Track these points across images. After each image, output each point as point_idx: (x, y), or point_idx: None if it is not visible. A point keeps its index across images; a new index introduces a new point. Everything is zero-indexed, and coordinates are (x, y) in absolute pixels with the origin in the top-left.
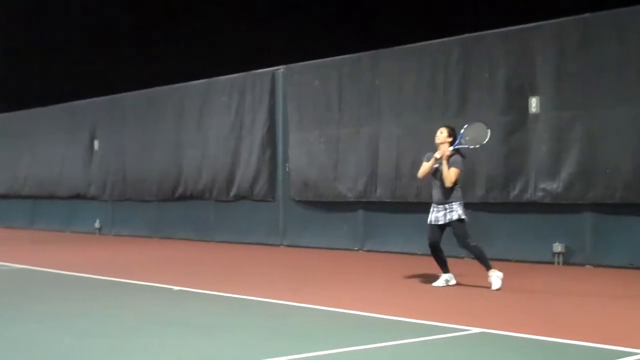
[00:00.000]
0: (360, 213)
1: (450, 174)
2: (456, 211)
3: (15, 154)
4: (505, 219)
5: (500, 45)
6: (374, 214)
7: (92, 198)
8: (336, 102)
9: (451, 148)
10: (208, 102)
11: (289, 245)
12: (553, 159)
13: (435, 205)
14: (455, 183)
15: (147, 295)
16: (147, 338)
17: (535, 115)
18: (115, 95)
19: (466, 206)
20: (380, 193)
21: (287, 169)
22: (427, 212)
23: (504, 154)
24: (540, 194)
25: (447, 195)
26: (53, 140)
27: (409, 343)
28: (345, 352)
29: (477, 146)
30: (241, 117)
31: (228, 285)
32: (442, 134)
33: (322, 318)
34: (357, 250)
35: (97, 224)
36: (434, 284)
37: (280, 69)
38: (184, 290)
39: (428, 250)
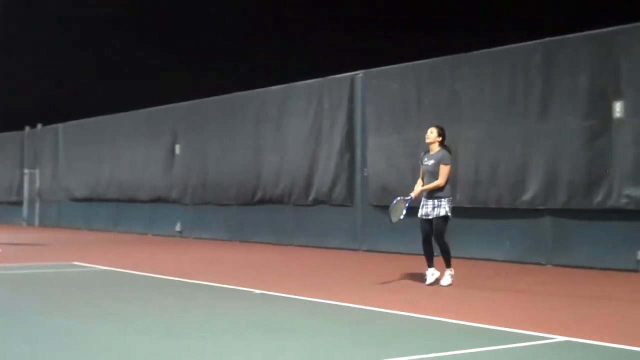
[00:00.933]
0: None
1: (442, 172)
2: (444, 207)
3: (99, 159)
4: (588, 226)
5: (583, 49)
6: (453, 219)
7: (174, 201)
8: (415, 107)
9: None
10: (287, 107)
11: (367, 250)
12: (637, 164)
13: (425, 199)
14: (447, 179)
15: (229, 297)
16: (229, 340)
17: (620, 120)
18: (196, 101)
19: (548, 212)
20: (459, 198)
21: (366, 174)
22: (508, 218)
23: (586, 160)
24: (624, 200)
25: (437, 191)
26: (135, 145)
27: (492, 351)
28: (423, 358)
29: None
30: (319, 121)
31: (309, 289)
32: (432, 134)
33: (403, 323)
34: (437, 255)
35: (178, 227)
36: (427, 282)
37: (359, 74)
38: (265, 294)
39: (508, 257)
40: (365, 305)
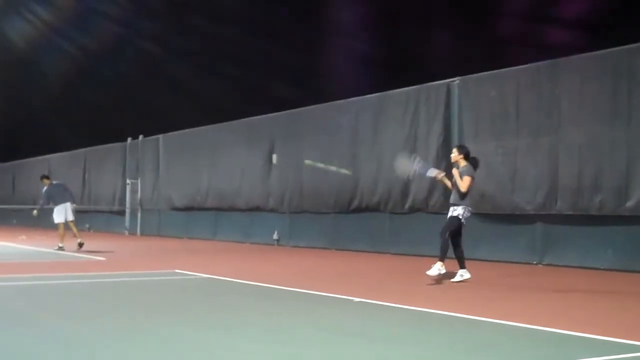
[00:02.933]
0: (538, 226)
1: (463, 182)
2: (457, 211)
3: (198, 168)
4: None
5: None
6: (554, 227)
7: (271, 210)
8: (514, 113)
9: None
10: (382, 115)
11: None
12: None
13: (450, 205)
14: (468, 189)
15: (328, 305)
16: (330, 348)
17: None
18: (293, 110)
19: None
20: (561, 205)
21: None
22: (610, 224)
23: None
24: None
25: (458, 198)
26: (233, 154)
27: None
28: None
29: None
30: (415, 129)
31: (407, 297)
32: (453, 154)
33: (506, 332)
34: (536, 264)
35: (275, 235)
36: (453, 279)
37: (456, 80)
38: (365, 302)
39: (611, 265)
40: (464, 314)
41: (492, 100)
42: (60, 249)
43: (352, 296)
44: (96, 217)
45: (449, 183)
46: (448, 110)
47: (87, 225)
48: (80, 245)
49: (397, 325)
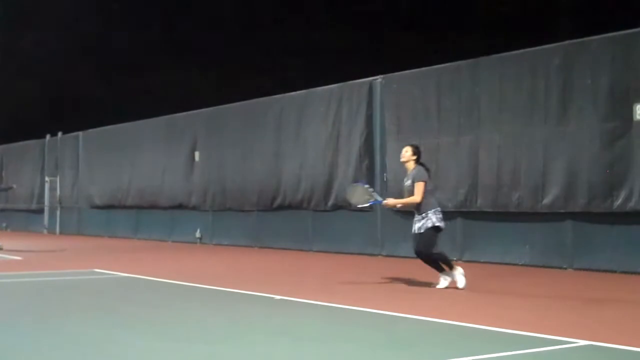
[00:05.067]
0: (459, 222)
1: (416, 189)
2: (431, 219)
3: (119, 166)
4: (609, 230)
5: (604, 51)
6: (474, 223)
7: (193, 208)
8: (435, 111)
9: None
10: (306, 112)
11: (387, 255)
12: None
13: (415, 216)
14: (424, 195)
15: (250, 303)
16: (252, 346)
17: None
18: (215, 107)
19: (568, 216)
20: (481, 203)
21: (385, 179)
22: (529, 222)
23: (606, 162)
24: None
25: (423, 206)
26: (154, 152)
27: (514, 355)
28: None
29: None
30: (338, 127)
31: (328, 295)
32: (407, 153)
33: (422, 328)
34: (455, 260)
35: (197, 234)
36: (438, 286)
37: (378, 78)
38: (286, 300)
39: (529, 261)
40: (386, 310)
41: (413, 98)
42: None
43: (273, 294)
44: (14, 215)
45: (406, 200)
46: (370, 108)
47: (4, 224)
48: None
49: (318, 322)
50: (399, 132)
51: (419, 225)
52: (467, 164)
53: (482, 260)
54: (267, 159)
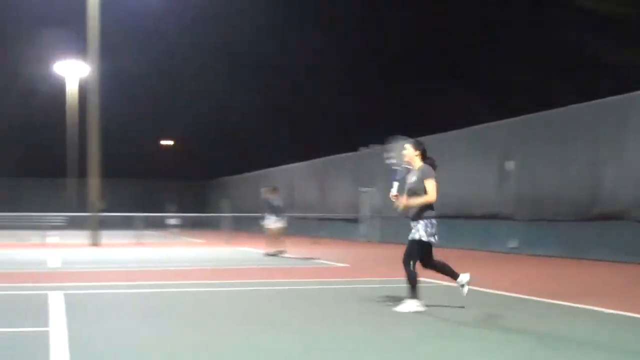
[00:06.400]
0: None
1: (429, 188)
2: (419, 232)
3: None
4: None
5: None
6: None
7: (507, 217)
8: None
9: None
10: (627, 117)
11: None
12: None
13: (411, 221)
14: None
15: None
16: None
17: None
18: (527, 116)
19: None
20: None
21: None
22: None
23: None
24: None
25: (417, 212)
26: (464, 162)
27: None
28: None
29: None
30: None
31: None
32: (406, 151)
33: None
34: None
35: (512, 244)
36: (397, 309)
37: None
38: (615, 314)
39: None
40: None
41: None
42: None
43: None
44: (332, 224)
45: (421, 200)
46: None
47: (321, 233)
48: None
49: None
50: None
51: (411, 232)
52: None
53: None
54: (584, 166)
